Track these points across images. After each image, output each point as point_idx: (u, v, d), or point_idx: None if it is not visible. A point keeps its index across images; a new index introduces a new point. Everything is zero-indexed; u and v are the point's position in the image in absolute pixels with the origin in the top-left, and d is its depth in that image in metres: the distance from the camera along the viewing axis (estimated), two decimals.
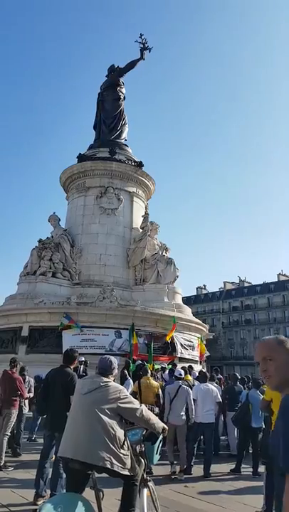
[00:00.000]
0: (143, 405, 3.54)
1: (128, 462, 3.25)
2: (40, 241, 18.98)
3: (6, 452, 7.43)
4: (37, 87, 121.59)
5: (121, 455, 3.19)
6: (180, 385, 7.83)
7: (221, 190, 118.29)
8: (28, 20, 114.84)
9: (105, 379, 3.45)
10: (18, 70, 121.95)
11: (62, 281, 18.04)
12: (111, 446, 3.13)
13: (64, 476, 4.94)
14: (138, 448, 3.65)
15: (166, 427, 3.62)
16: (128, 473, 3.23)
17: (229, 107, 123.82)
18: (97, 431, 3.15)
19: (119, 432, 3.25)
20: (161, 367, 13.97)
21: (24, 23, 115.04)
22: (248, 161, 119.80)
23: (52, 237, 19.51)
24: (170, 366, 14.45)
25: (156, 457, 3.89)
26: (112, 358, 3.70)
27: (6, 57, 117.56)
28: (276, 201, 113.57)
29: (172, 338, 16.95)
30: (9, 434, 7.51)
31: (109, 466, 3.08)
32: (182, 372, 8.67)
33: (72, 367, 5.74)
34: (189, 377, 9.68)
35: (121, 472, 3.17)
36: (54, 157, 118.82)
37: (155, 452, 3.82)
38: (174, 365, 13.94)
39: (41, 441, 6.82)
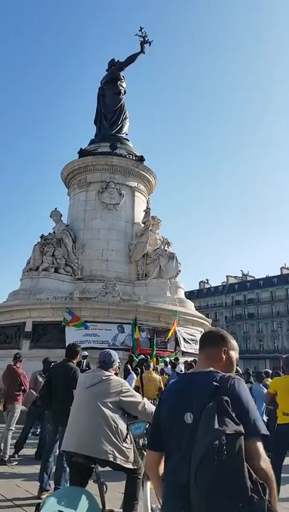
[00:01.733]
0: (145, 399, 3.54)
1: (131, 455, 3.26)
2: (42, 237, 19.01)
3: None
4: (40, 80, 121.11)
5: (124, 448, 3.19)
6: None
7: (223, 183, 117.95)
8: (27, 14, 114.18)
9: (107, 373, 3.45)
10: (18, 65, 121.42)
11: (64, 277, 18.09)
12: (113, 439, 3.14)
13: (68, 469, 4.96)
14: (141, 441, 3.66)
15: None
16: (131, 467, 3.24)
17: (231, 100, 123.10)
18: (99, 424, 3.15)
19: (122, 426, 3.26)
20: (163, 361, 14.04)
21: (23, 17, 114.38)
22: (251, 155, 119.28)
23: (54, 232, 19.54)
24: (170, 357, 14.52)
25: None
26: (112, 352, 3.71)
27: (5, 53, 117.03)
28: (279, 195, 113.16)
29: (175, 333, 16.99)
30: (13, 429, 7.52)
31: (112, 459, 3.09)
32: (183, 368, 9.48)
33: (74, 361, 5.75)
34: None
35: (124, 465, 3.17)
36: (55, 152, 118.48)
37: None
38: (177, 359, 14.00)
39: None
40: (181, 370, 9.41)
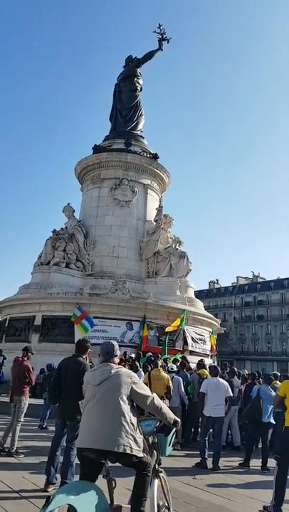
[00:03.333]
0: (155, 394, 3.55)
1: (142, 444, 3.30)
2: (54, 231, 19.14)
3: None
4: (57, 75, 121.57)
5: (137, 438, 3.24)
6: (173, 376, 9.29)
7: (236, 183, 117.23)
8: (45, 13, 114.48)
9: (115, 366, 3.47)
10: (35, 62, 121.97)
11: (75, 272, 18.20)
12: (129, 431, 3.17)
13: (74, 464, 4.99)
14: (151, 439, 3.66)
15: (178, 419, 3.61)
16: (143, 455, 3.28)
17: (247, 99, 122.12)
18: (114, 418, 3.17)
19: (134, 417, 3.30)
20: (165, 358, 14.08)
21: (33, 14, 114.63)
22: (265, 154, 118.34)
23: (66, 227, 19.66)
24: (176, 356, 14.54)
25: (169, 449, 3.89)
26: (113, 341, 3.75)
27: (20, 52, 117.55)
28: None
29: (183, 332, 16.98)
30: (22, 420, 7.57)
31: (129, 451, 3.12)
32: (174, 366, 10.30)
33: (84, 356, 5.77)
34: (205, 371, 9.74)
35: (138, 455, 3.20)
36: (70, 148, 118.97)
37: (168, 444, 3.83)
38: (184, 358, 14.00)
39: (52, 428, 6.90)
40: (172, 368, 9.74)
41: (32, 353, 8.19)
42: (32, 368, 8.01)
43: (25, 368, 7.72)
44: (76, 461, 4.45)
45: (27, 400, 7.70)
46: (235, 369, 11.14)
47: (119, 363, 3.90)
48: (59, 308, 16.62)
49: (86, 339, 6.19)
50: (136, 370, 10.49)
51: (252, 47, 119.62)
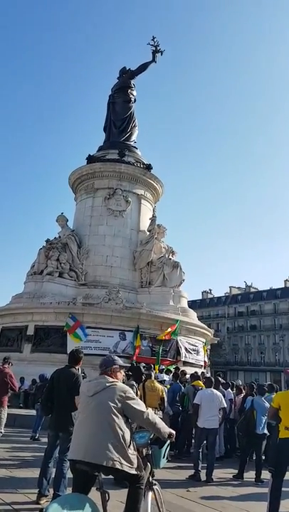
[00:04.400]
0: (149, 409, 3.52)
1: (135, 461, 3.25)
2: (47, 241, 19.12)
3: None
4: (49, 85, 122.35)
5: (129, 454, 3.19)
6: None
7: (228, 194, 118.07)
8: (36, 22, 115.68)
9: (110, 379, 3.44)
10: (28, 71, 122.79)
11: (68, 282, 18.15)
12: (120, 446, 3.13)
13: (67, 476, 4.93)
14: (144, 451, 3.63)
15: (173, 432, 3.57)
16: (136, 472, 3.23)
17: (241, 112, 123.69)
18: (106, 432, 3.14)
19: (127, 433, 3.25)
20: (162, 369, 14.01)
21: (34, 24, 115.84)
22: (256, 165, 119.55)
23: (59, 237, 19.64)
24: (170, 368, 14.46)
25: (163, 461, 3.85)
26: (114, 356, 3.73)
27: (14, 58, 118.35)
28: (284, 206, 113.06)
29: (176, 342, 16.95)
30: (3, 431, 7.44)
31: (118, 467, 3.08)
32: (166, 378, 10.53)
33: (77, 367, 5.74)
34: (200, 383, 9.71)
35: (129, 472, 3.16)
36: (63, 157, 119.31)
37: (162, 456, 3.79)
38: (178, 369, 13.96)
39: (44, 439, 6.82)
40: (160, 377, 9.80)
41: (12, 363, 8.15)
42: (23, 378, 7.96)
43: (6, 375, 7.62)
44: (69, 473, 4.40)
45: (5, 411, 7.58)
46: (220, 378, 11.01)
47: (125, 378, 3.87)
48: (52, 318, 16.54)
49: (79, 350, 6.14)
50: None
51: (247, 52, 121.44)
